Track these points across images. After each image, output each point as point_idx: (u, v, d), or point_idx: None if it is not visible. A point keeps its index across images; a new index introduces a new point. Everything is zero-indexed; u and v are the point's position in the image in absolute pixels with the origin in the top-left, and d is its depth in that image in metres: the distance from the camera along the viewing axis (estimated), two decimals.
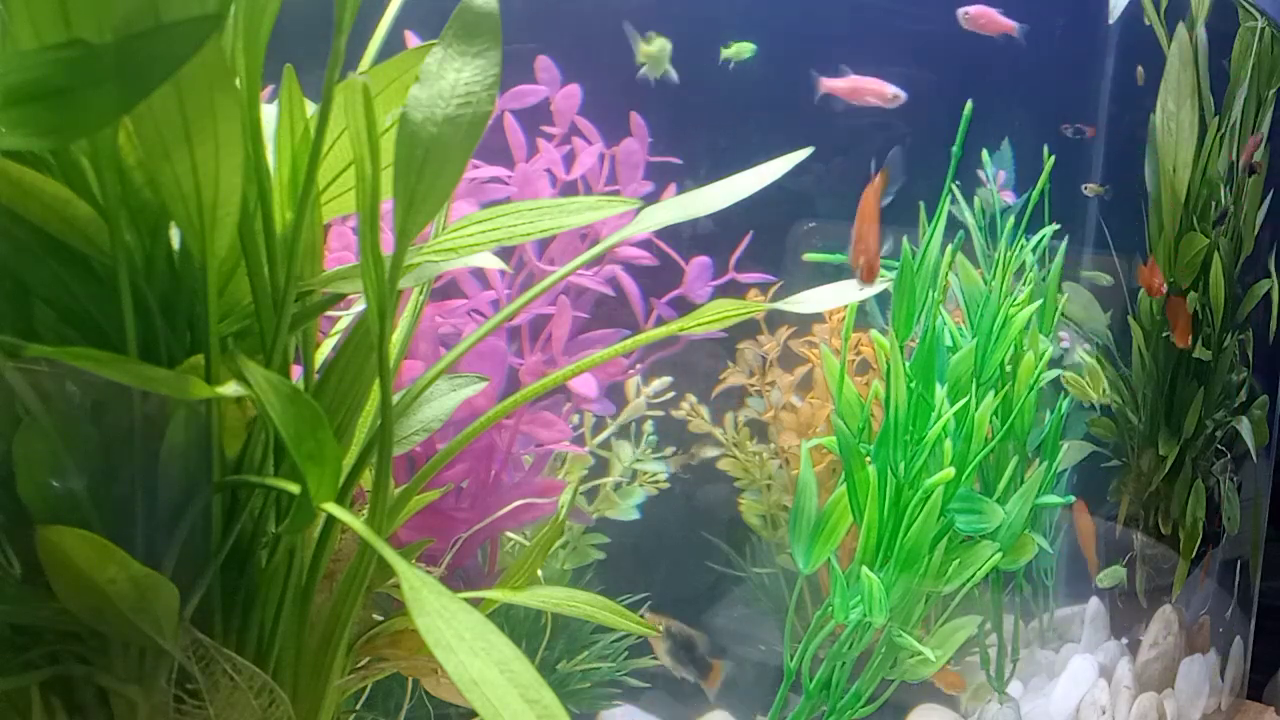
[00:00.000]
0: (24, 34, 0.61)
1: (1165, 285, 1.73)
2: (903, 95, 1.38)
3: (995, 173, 1.61)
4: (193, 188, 0.66)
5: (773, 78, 1.54)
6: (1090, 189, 1.68)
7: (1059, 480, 1.70)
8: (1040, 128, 1.67)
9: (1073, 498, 1.73)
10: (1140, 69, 1.70)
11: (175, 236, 0.73)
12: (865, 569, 1.30)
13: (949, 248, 1.41)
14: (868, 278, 1.18)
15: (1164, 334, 1.83)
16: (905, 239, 1.37)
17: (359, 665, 0.88)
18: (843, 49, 1.54)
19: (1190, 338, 1.80)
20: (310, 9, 0.81)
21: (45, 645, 0.72)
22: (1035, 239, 1.58)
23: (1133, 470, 1.86)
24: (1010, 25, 1.47)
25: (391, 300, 0.74)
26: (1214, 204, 1.81)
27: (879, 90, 1.39)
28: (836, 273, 1.49)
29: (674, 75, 1.32)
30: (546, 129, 1.27)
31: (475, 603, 0.69)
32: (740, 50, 1.43)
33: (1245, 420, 1.97)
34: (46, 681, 0.72)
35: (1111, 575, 1.74)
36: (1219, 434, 1.94)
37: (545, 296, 1.19)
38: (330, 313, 0.89)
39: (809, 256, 1.53)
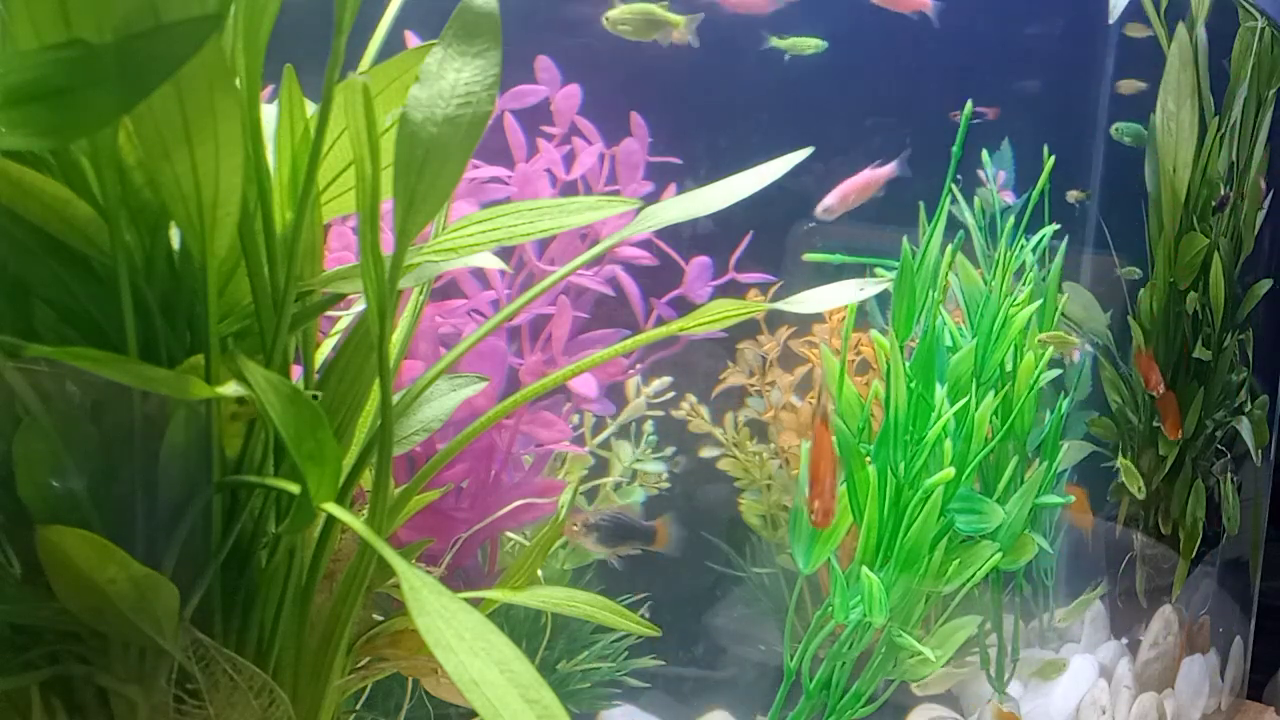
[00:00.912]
0: (24, 34, 0.61)
1: (1162, 383, 1.75)
2: (832, 205, 1.35)
3: (995, 173, 1.61)
4: (193, 188, 0.66)
5: (773, 78, 1.54)
6: (1074, 195, 1.68)
7: (1059, 480, 1.70)
8: (1040, 128, 1.67)
9: (1072, 498, 1.72)
10: (1136, 82, 1.69)
11: (175, 236, 0.73)
12: (865, 569, 1.30)
13: (949, 248, 1.41)
14: (822, 522, 1.21)
15: (1163, 333, 1.83)
16: (905, 239, 1.37)
17: (359, 665, 0.88)
18: (842, 50, 1.54)
19: (1180, 431, 1.81)
20: (310, 9, 0.81)
21: (45, 645, 0.72)
22: (1035, 239, 1.58)
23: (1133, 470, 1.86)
24: (925, 2, 1.43)
25: (391, 300, 0.74)
26: (1231, 204, 1.81)
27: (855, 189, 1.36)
28: (836, 273, 1.49)
29: (695, 42, 1.31)
30: (546, 129, 1.27)
31: (475, 603, 0.69)
32: (802, 45, 1.43)
33: (1245, 420, 1.97)
34: (46, 681, 0.72)
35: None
36: (1219, 434, 1.94)
37: (545, 296, 1.19)
38: (330, 313, 0.89)
39: (809, 256, 1.53)
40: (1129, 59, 1.76)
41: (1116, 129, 1.70)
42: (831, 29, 1.56)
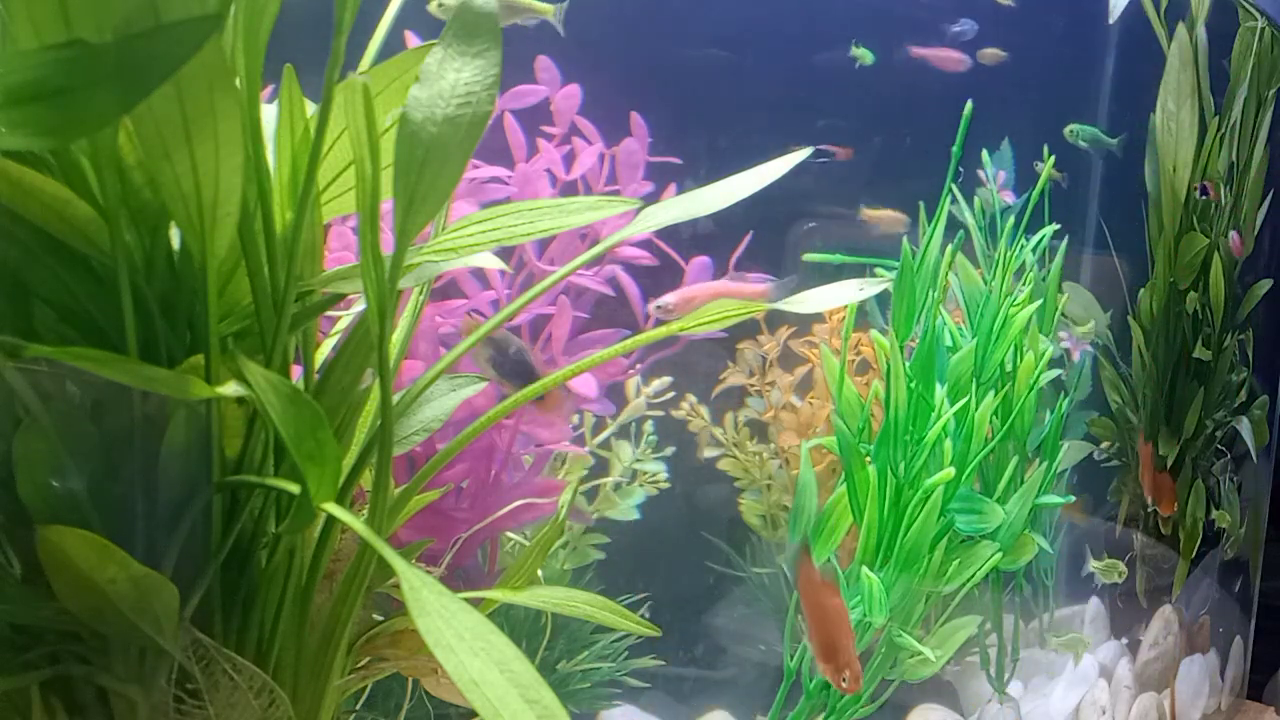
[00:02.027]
0: (24, 34, 0.61)
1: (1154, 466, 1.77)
2: (670, 304, 1.23)
3: (995, 173, 1.61)
4: (193, 188, 0.66)
5: (772, 78, 1.54)
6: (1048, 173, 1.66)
7: (1059, 480, 1.70)
8: (1040, 128, 1.67)
9: (1072, 498, 1.72)
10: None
11: (175, 236, 0.73)
12: (865, 569, 1.30)
13: (949, 248, 1.41)
14: (853, 687, 1.15)
15: (1163, 333, 1.83)
16: (905, 239, 1.37)
17: (359, 665, 0.88)
18: (842, 49, 1.54)
19: (1175, 507, 1.83)
20: (310, 9, 0.81)
21: (45, 645, 0.72)
22: (1035, 239, 1.58)
23: (1133, 470, 1.86)
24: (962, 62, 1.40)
25: (391, 300, 0.74)
26: (1214, 204, 1.81)
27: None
28: (836, 273, 1.49)
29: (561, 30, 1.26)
30: (546, 129, 1.27)
31: (475, 603, 0.69)
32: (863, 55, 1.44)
33: (1245, 420, 1.97)
34: (46, 681, 0.72)
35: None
36: (1219, 434, 1.94)
37: (545, 296, 1.19)
38: (330, 313, 0.89)
39: (809, 256, 1.53)
40: (1129, 57, 1.76)
41: (1071, 131, 1.68)
42: (830, 30, 1.56)
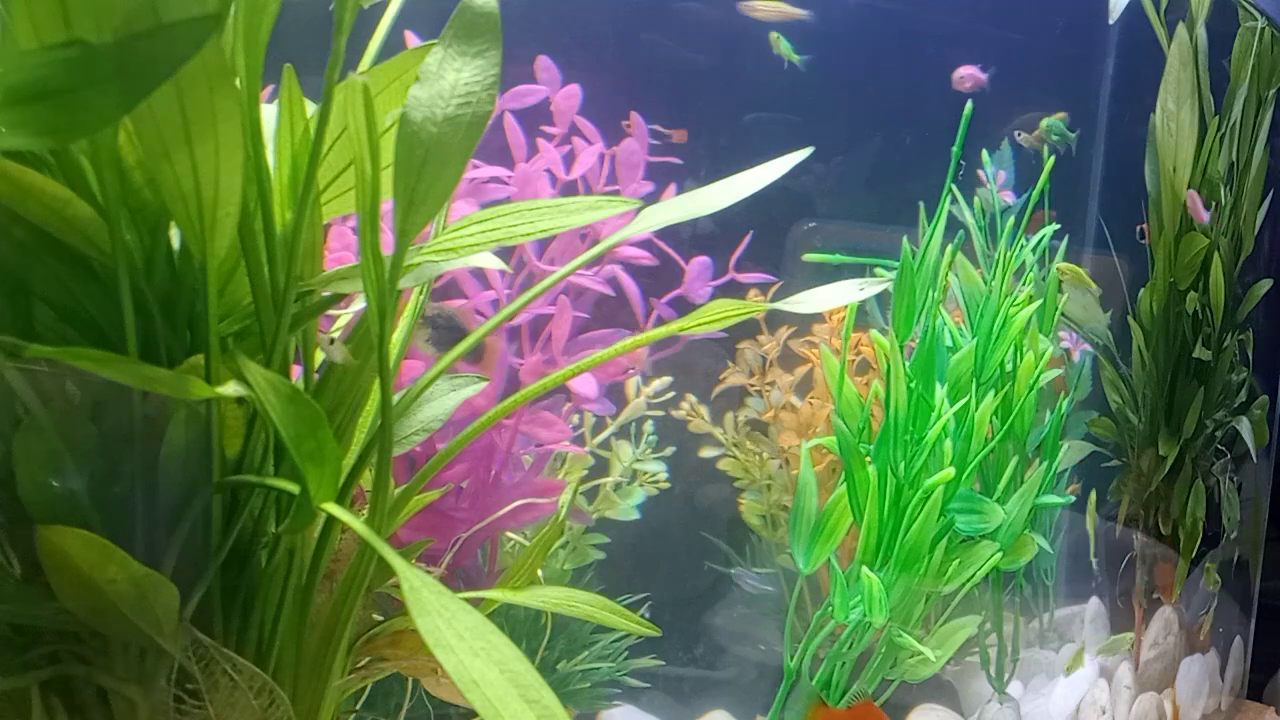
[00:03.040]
0: (24, 34, 0.61)
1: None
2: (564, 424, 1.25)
3: (995, 173, 1.61)
4: (193, 188, 0.66)
5: (771, 77, 1.54)
6: (1024, 139, 1.66)
7: (1059, 480, 1.70)
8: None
9: (1073, 498, 1.72)
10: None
11: (175, 236, 0.73)
12: (865, 569, 1.30)
13: (949, 248, 1.41)
14: None
15: (1163, 333, 1.83)
16: (905, 239, 1.37)
17: (359, 665, 0.88)
18: (842, 48, 1.54)
19: (1175, 594, 1.85)
20: (310, 9, 0.81)
21: (45, 645, 0.72)
22: (1035, 239, 1.58)
23: (1133, 470, 1.86)
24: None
25: (391, 300, 0.74)
26: (1213, 204, 1.81)
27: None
28: (836, 273, 1.49)
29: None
30: (546, 129, 1.27)
31: (475, 603, 0.69)
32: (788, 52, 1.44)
33: (1245, 420, 1.97)
34: (46, 681, 0.72)
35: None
36: (1219, 434, 1.94)
37: (545, 296, 1.19)
38: (330, 312, 0.89)
39: (809, 256, 1.53)
40: (1129, 58, 1.76)
41: (1045, 124, 1.68)
42: (832, 30, 1.56)
